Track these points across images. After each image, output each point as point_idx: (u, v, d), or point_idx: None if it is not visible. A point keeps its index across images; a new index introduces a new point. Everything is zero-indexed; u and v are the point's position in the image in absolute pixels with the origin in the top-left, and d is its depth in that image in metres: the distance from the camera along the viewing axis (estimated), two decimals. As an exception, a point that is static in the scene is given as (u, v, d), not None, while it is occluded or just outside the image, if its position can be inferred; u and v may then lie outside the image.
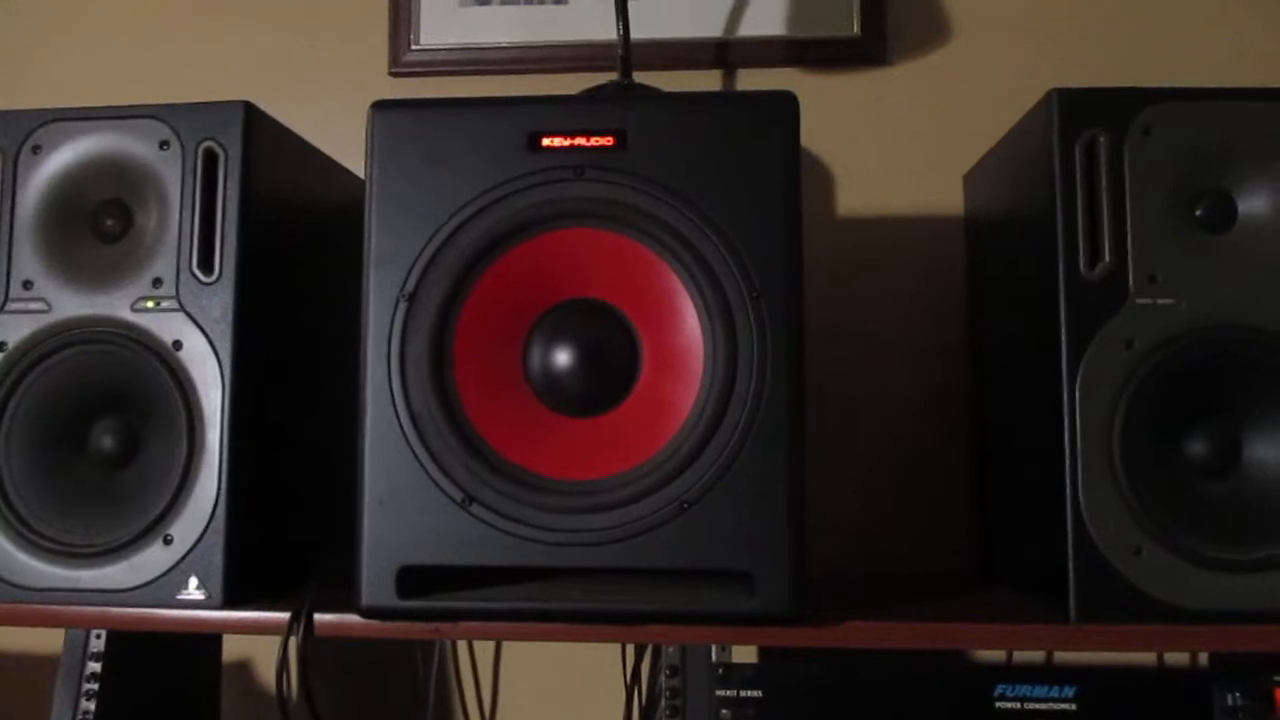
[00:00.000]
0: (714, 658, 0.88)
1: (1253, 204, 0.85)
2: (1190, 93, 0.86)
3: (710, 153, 0.81)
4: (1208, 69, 1.23)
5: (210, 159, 0.91)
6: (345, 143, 1.15)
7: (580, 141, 0.82)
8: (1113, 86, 0.87)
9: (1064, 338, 0.84)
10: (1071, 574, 0.82)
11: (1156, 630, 0.81)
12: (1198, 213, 0.85)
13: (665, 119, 0.82)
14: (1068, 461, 0.83)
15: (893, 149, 1.27)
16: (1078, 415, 0.83)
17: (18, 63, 1.40)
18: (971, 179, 1.17)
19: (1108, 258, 0.85)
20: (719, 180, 0.81)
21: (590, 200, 0.82)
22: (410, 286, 0.82)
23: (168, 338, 0.89)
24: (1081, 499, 0.83)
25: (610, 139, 0.82)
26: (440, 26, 1.32)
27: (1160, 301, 0.84)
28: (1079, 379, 0.84)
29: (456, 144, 0.83)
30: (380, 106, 0.85)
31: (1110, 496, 0.83)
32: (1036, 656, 1.13)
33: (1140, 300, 0.84)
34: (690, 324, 0.81)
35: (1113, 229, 0.85)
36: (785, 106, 0.82)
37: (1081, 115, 0.86)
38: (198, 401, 0.88)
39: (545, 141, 0.83)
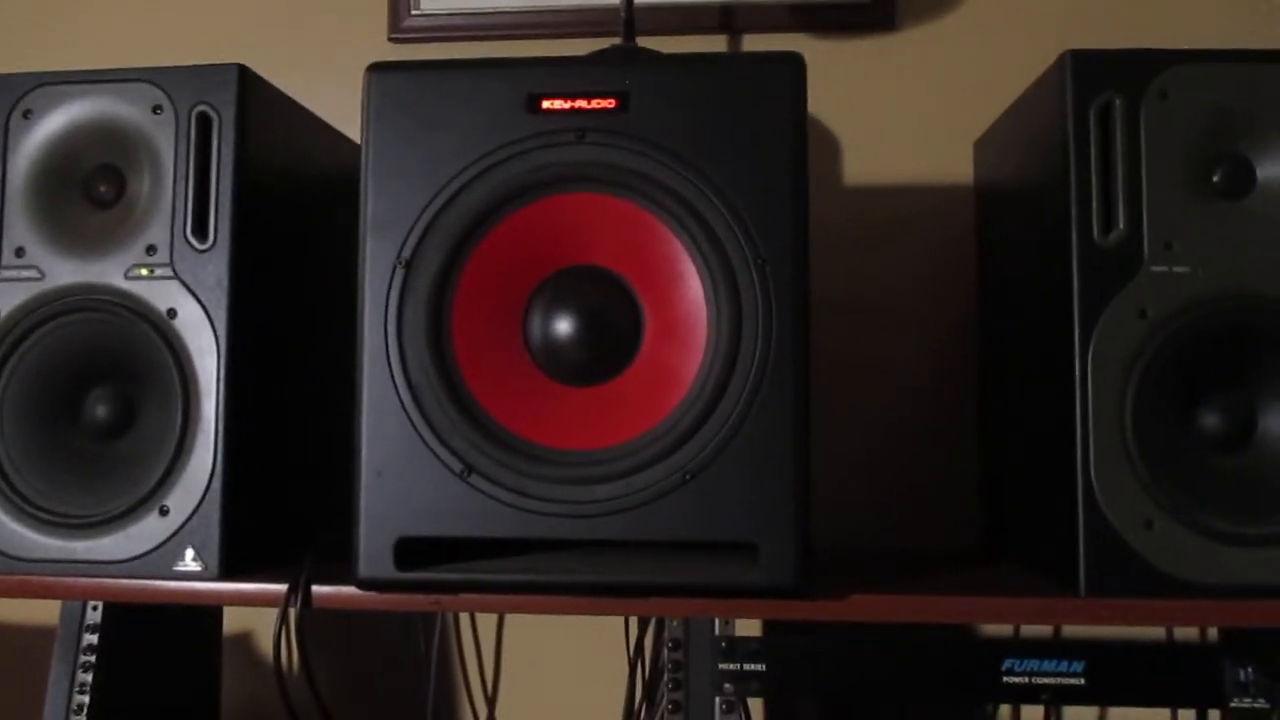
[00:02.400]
0: (717, 631, 0.87)
1: (1272, 170, 0.83)
2: (1208, 54, 0.84)
3: (715, 115, 0.79)
4: (1227, 30, 1.20)
5: (204, 123, 0.89)
6: (344, 110, 1.12)
7: (581, 104, 0.80)
8: (1128, 48, 0.84)
9: (1076, 306, 0.82)
10: (1081, 547, 0.80)
11: (1168, 605, 0.80)
12: (1215, 178, 0.83)
13: (669, 81, 0.80)
14: (1079, 433, 0.81)
15: (901, 116, 1.25)
16: (1089, 386, 0.82)
17: (11, 29, 1.38)
18: (982, 146, 1.14)
19: (1122, 225, 0.83)
20: (724, 143, 0.79)
21: (591, 164, 0.80)
22: (407, 253, 0.80)
23: (162, 306, 0.88)
24: (1093, 471, 0.81)
25: (612, 101, 0.80)
26: (441, -9, 1.30)
27: (1176, 269, 0.82)
28: (1091, 349, 0.82)
29: (455, 107, 0.81)
30: (377, 69, 0.83)
31: (1121, 469, 0.81)
32: (1044, 632, 1.12)
33: (1155, 268, 0.82)
34: (694, 291, 0.79)
35: (1127, 195, 0.83)
36: (792, 68, 0.80)
37: (1096, 78, 0.84)
38: (193, 371, 0.87)
39: (545, 104, 0.81)
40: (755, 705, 1.14)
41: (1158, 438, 0.82)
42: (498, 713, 1.27)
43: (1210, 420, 0.84)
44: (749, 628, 0.97)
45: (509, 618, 1.27)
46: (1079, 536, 0.81)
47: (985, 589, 0.84)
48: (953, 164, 1.21)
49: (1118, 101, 0.83)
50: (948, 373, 1.22)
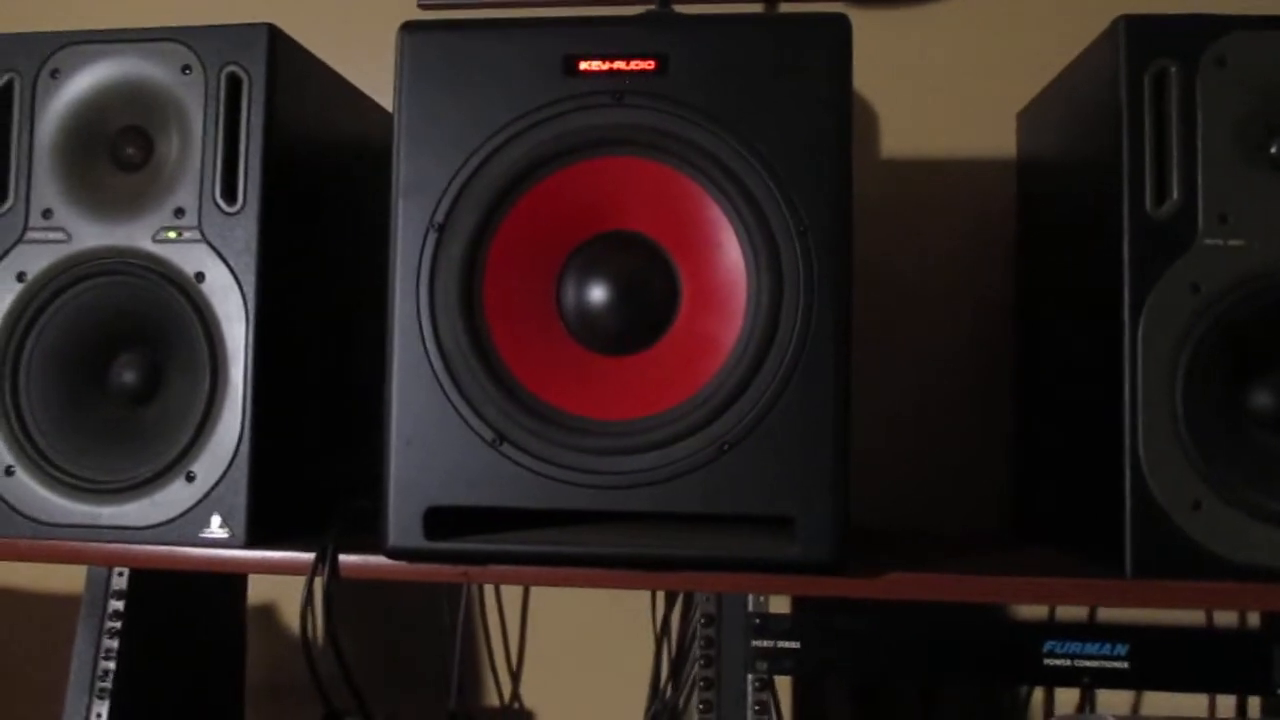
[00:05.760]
0: (751, 607, 0.85)
1: (1332, 142, 0.80)
2: (1268, 21, 0.81)
3: (757, 78, 0.77)
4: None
5: (233, 84, 0.88)
6: (373, 77, 1.11)
7: (619, 66, 0.78)
8: (1185, 14, 0.82)
9: (1126, 280, 0.80)
10: (1128, 527, 0.78)
11: (1217, 587, 0.78)
12: (1273, 149, 0.80)
13: (709, 43, 0.78)
14: (1127, 411, 0.79)
15: (941, 87, 1.22)
16: (1139, 362, 0.79)
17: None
18: (1027, 117, 1.11)
19: (1175, 195, 0.80)
20: (766, 108, 0.77)
21: (629, 127, 0.78)
22: (440, 217, 0.79)
23: (190, 269, 0.87)
24: (1140, 450, 0.79)
25: (651, 63, 0.78)
26: (472, -44, 1.28)
27: (1230, 243, 0.80)
28: (1141, 324, 0.79)
29: (489, 68, 0.79)
30: (410, 29, 0.81)
31: (1170, 447, 0.79)
32: (1077, 615, 1.10)
33: (1209, 241, 0.80)
34: (732, 258, 0.77)
35: (1181, 165, 0.80)
36: (836, 29, 0.78)
37: (1151, 44, 0.81)
38: (220, 335, 0.86)
39: (583, 66, 0.78)
40: (782, 683, 1.13)
41: (1208, 416, 0.79)
42: (521, 687, 1.26)
43: (1262, 399, 0.81)
44: (778, 605, 0.95)
45: (533, 591, 1.26)
46: (1125, 517, 0.78)
47: (1027, 569, 0.82)
48: (995, 136, 1.18)
49: (1173, 69, 0.80)
50: (983, 349, 1.19)
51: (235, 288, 0.86)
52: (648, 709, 1.13)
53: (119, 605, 0.97)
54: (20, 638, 1.32)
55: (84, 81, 0.90)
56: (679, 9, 1.08)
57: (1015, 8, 1.22)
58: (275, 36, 0.88)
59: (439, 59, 0.80)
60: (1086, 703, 0.88)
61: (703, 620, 0.86)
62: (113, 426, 0.89)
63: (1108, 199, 0.82)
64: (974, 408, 1.20)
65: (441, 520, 0.78)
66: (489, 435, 0.78)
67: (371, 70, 1.11)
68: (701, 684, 0.86)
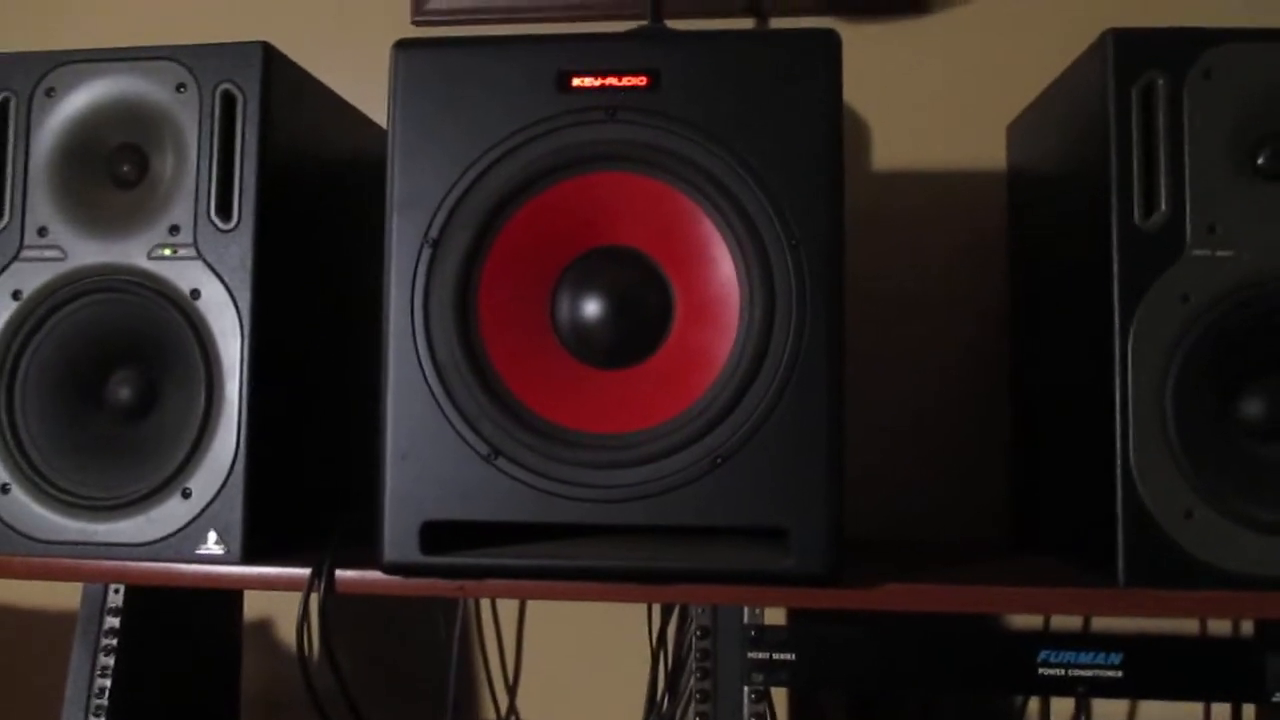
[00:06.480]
0: (746, 619, 0.85)
1: (1318, 152, 0.81)
2: (1254, 34, 0.82)
3: (748, 94, 0.78)
4: (1273, 9, 1.17)
5: (228, 102, 0.88)
6: (366, 94, 1.11)
7: (612, 81, 0.79)
8: (1172, 27, 0.82)
9: (1116, 291, 0.80)
10: (1120, 537, 0.79)
11: (1210, 596, 0.78)
12: (1259, 160, 0.81)
13: (701, 58, 0.79)
14: (1118, 421, 0.80)
15: (932, 100, 1.23)
16: (1129, 373, 0.80)
17: (34, 6, 1.37)
18: (1016, 130, 1.12)
19: (1164, 207, 0.81)
20: (757, 122, 0.78)
21: (622, 143, 0.78)
22: (434, 232, 0.79)
23: (185, 286, 0.87)
24: (1132, 459, 0.79)
25: (644, 79, 0.79)
26: (465, -28, 1.29)
27: (1218, 253, 0.80)
28: (1131, 335, 0.80)
29: (483, 84, 0.80)
30: (404, 46, 0.82)
31: (1161, 457, 0.79)
32: (1071, 624, 1.10)
33: (1197, 252, 0.80)
34: (725, 272, 0.78)
35: (1169, 177, 0.81)
36: (827, 45, 0.79)
37: (1138, 57, 0.82)
38: (216, 352, 0.86)
39: (576, 81, 0.79)
40: (778, 694, 1.13)
41: (1199, 426, 0.80)
42: (518, 701, 1.26)
43: (1253, 408, 0.82)
44: (773, 616, 0.95)
45: (530, 605, 1.26)
46: (1118, 526, 0.79)
47: (1022, 579, 0.83)
48: (984, 149, 1.19)
49: (1161, 81, 0.81)
50: (977, 361, 1.20)
51: (230, 304, 0.86)
52: (644, 722, 1.13)
53: (115, 622, 0.97)
54: (16, 655, 1.31)
55: (79, 100, 0.90)
56: (671, 25, 1.09)
57: (1004, 21, 1.23)
58: (270, 54, 0.88)
59: (433, 75, 0.80)
60: (1081, 712, 0.88)
61: (698, 632, 0.87)
62: (108, 443, 0.89)
63: (1097, 210, 0.83)
64: (971, 418, 1.20)
65: (437, 535, 0.79)
66: (484, 450, 0.78)
67: (366, 87, 1.12)
68: (698, 696, 0.86)
